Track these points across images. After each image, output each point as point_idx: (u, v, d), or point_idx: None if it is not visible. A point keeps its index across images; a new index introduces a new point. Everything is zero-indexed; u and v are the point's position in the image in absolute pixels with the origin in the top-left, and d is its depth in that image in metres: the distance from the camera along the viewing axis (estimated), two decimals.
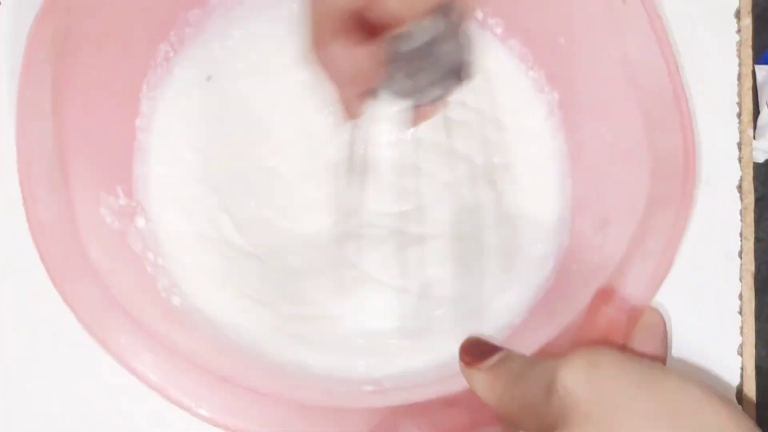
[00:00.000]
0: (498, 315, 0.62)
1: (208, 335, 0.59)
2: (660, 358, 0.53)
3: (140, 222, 0.62)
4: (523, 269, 0.64)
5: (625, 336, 0.54)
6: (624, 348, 0.53)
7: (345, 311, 0.63)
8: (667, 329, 0.54)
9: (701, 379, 0.45)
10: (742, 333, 0.63)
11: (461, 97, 0.63)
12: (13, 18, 0.66)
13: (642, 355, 0.53)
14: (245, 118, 0.67)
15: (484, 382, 0.50)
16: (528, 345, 0.55)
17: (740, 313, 0.63)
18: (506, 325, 0.61)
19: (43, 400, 0.62)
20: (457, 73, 0.56)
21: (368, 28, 0.50)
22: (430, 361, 0.61)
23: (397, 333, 0.63)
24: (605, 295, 0.55)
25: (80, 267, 0.54)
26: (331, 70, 0.51)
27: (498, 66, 0.68)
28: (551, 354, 0.54)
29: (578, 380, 0.44)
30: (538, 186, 0.66)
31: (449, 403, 0.53)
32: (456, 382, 0.55)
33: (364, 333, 0.63)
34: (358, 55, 0.50)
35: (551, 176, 0.66)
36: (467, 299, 0.63)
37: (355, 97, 0.54)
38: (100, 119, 0.60)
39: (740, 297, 0.63)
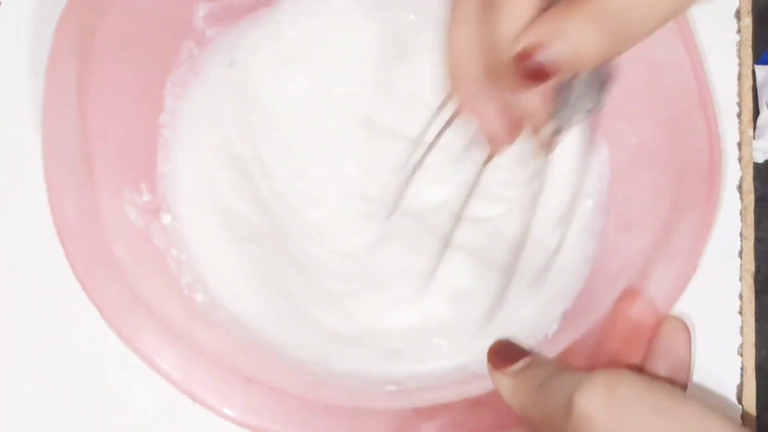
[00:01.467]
0: (530, 322, 0.62)
1: (232, 333, 0.59)
2: (684, 369, 0.53)
3: (165, 218, 0.62)
4: (557, 276, 0.63)
5: (649, 339, 0.53)
6: (647, 355, 0.54)
7: (371, 310, 0.63)
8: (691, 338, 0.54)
9: (720, 408, 0.45)
10: (742, 333, 0.62)
11: None
12: (38, 13, 0.66)
13: (666, 366, 0.53)
14: (271, 111, 0.67)
15: (509, 386, 0.51)
16: (556, 348, 0.55)
17: (740, 313, 0.63)
18: (540, 330, 0.61)
19: (59, 397, 0.62)
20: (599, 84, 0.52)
21: None
22: (454, 363, 0.61)
23: (424, 334, 0.63)
24: (630, 296, 0.55)
25: (105, 264, 0.54)
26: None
27: None
28: (576, 357, 0.54)
29: (595, 404, 0.44)
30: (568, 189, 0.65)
31: (473, 404, 0.53)
32: (479, 385, 0.55)
33: (389, 333, 0.63)
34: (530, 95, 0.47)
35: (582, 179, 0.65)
36: (498, 304, 0.63)
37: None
38: (124, 115, 0.60)
39: (740, 297, 0.63)
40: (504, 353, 0.52)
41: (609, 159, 0.64)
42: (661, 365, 0.53)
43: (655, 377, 0.52)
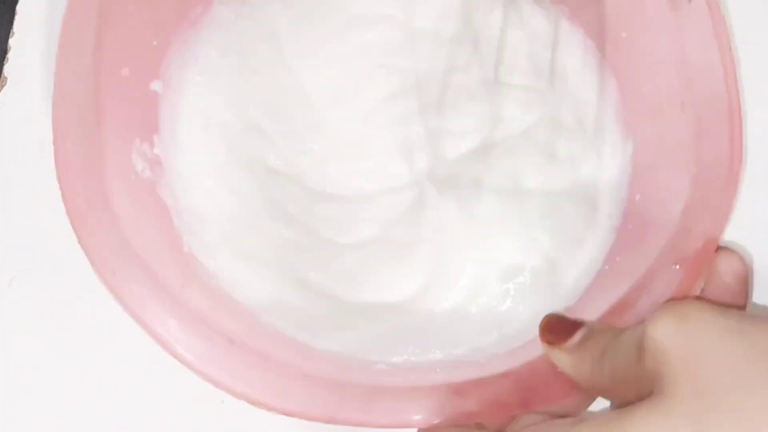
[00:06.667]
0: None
1: (224, 296, 0.58)
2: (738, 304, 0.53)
3: (169, 173, 0.61)
4: (566, 267, 0.62)
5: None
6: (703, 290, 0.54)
7: (382, 284, 0.62)
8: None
9: None
10: None
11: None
12: None
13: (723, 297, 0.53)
14: (286, 69, 0.66)
15: (571, 360, 0.50)
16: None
17: None
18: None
19: (56, 352, 0.62)
20: None
21: None
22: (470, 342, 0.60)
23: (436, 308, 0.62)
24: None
25: (100, 209, 0.53)
26: None
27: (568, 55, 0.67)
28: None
29: (667, 333, 0.44)
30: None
31: (457, 391, 0.52)
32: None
33: (389, 308, 0.61)
34: None
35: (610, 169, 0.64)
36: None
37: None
38: (141, 63, 0.60)
39: None
40: (556, 328, 0.52)
41: (633, 156, 0.63)
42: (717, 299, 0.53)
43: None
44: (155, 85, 0.62)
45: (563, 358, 0.50)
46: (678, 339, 0.44)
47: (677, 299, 0.51)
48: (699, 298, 0.53)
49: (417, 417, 0.50)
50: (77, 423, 0.60)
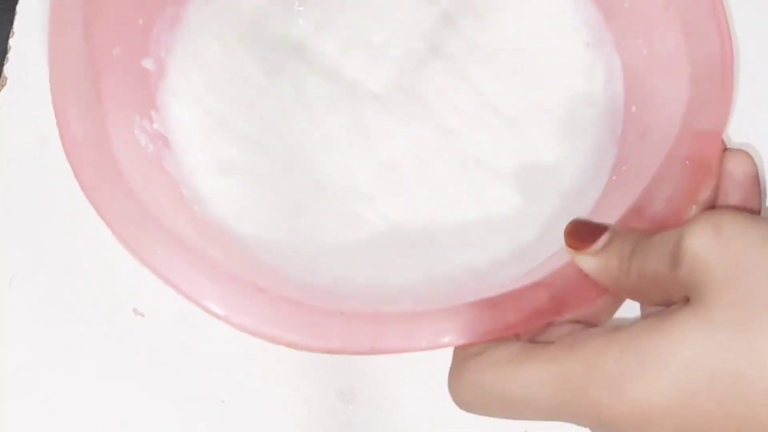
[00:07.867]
0: None
1: (245, 255, 0.59)
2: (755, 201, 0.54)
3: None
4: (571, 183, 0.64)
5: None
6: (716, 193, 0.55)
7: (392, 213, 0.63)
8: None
9: None
10: None
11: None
12: None
13: (736, 197, 0.54)
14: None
15: (597, 264, 0.50)
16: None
17: None
18: None
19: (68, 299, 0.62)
20: None
21: None
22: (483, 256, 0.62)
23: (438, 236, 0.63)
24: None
25: (113, 180, 0.53)
26: None
27: None
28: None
29: (705, 244, 0.44)
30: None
31: (492, 305, 0.52)
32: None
33: (400, 238, 0.62)
34: None
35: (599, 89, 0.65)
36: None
37: None
38: (130, 42, 0.60)
39: None
40: (582, 233, 0.52)
41: (621, 68, 0.64)
42: (731, 198, 0.54)
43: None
44: (146, 63, 0.62)
45: (589, 262, 0.51)
46: (715, 249, 0.44)
47: (710, 210, 0.52)
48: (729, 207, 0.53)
49: (455, 336, 0.50)
50: (77, 423, 0.60)
